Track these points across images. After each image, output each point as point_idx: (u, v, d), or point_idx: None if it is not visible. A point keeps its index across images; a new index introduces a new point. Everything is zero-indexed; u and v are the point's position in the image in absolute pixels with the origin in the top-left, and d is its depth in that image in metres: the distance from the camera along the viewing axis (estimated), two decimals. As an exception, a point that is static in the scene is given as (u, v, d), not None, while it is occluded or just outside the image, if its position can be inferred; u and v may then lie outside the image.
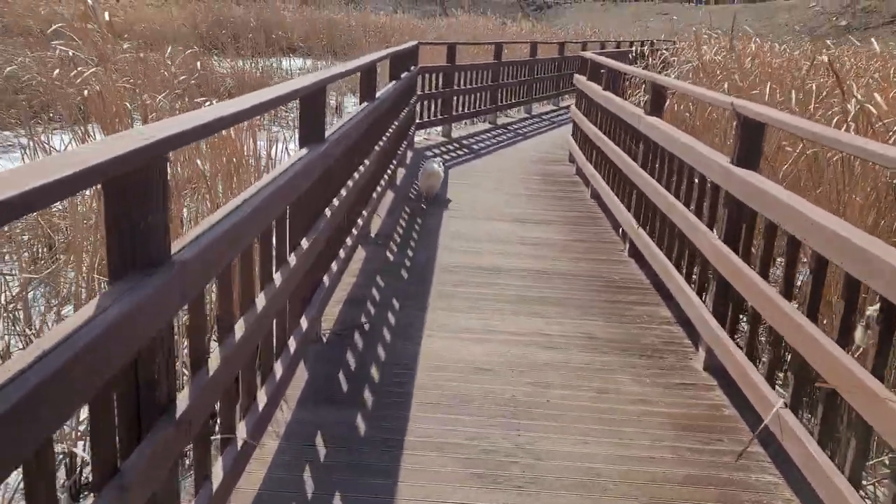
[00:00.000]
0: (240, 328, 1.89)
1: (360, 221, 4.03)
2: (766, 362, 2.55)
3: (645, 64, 9.86)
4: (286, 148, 5.08)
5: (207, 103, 5.09)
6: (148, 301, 1.29)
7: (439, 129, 8.89)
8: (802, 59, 7.47)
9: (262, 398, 2.16)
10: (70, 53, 5.34)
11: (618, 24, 46.24)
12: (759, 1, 50.70)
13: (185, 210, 4.13)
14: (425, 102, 8.26)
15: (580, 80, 7.21)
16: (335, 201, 3.19)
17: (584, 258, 4.55)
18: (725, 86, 5.33)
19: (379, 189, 4.85)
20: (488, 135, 9.38)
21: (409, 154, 7.49)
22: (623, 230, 4.80)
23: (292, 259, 2.47)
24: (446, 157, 7.72)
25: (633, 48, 11.77)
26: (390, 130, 5.31)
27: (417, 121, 8.12)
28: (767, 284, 2.49)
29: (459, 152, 8.00)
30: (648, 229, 4.21)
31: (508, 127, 10.15)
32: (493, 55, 9.96)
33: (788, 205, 2.35)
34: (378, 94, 4.66)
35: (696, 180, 3.49)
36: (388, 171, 5.45)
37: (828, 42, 8.51)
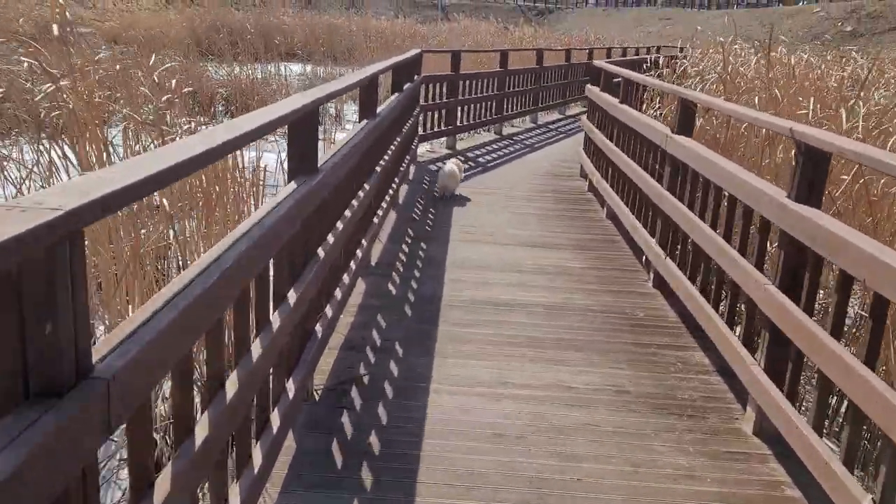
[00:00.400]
0: (203, 429, 1.49)
1: (359, 253, 3.63)
2: (842, 441, 2.14)
3: (659, 73, 9.47)
4: (281, 163, 4.65)
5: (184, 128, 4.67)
6: (45, 446, 0.90)
7: (443, 140, 8.50)
8: (823, 66, 7.10)
9: (235, 499, 1.76)
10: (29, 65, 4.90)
11: (619, 29, 45.97)
12: (761, 6, 50.48)
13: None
14: (429, 113, 7.87)
15: (592, 90, 6.82)
16: (330, 237, 2.79)
17: (603, 290, 4.14)
18: (756, 100, 4.93)
19: (380, 212, 4.45)
20: (494, 146, 8.98)
21: (413, 169, 7.10)
22: (646, 258, 4.40)
23: (276, 319, 2.07)
24: (451, 171, 7.32)
25: (648, 56, 11.33)
26: (393, 147, 4.92)
27: (420, 132, 7.73)
28: (841, 347, 2.08)
29: (465, 166, 7.60)
30: (678, 260, 3.81)
31: (515, 138, 9.76)
32: (499, 63, 9.58)
33: (871, 255, 1.95)
34: (380, 110, 4.27)
35: (736, 208, 3.10)
36: (391, 191, 5.06)
37: (852, 51, 8.11)
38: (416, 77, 6.87)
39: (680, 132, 3.96)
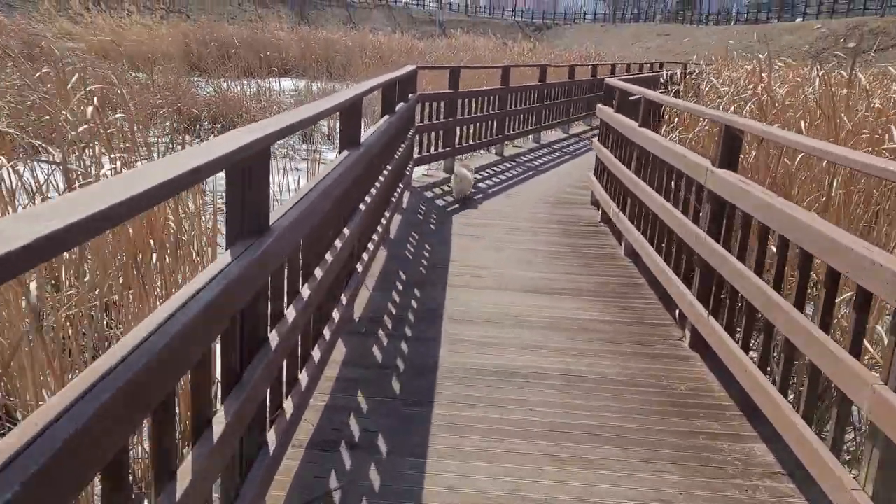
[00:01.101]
0: None
1: (335, 315, 2.96)
2: None
3: (675, 90, 8.88)
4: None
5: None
6: None
7: (441, 163, 7.85)
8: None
9: None
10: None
11: (618, 45, 45.75)
12: (760, 22, 50.23)
13: None
14: (425, 134, 7.23)
15: (604, 111, 6.19)
16: (291, 312, 2.12)
17: (632, 353, 3.47)
18: (802, 125, 4.29)
19: (365, 257, 3.79)
20: (496, 169, 8.34)
21: (406, 196, 6.45)
22: (680, 312, 3.73)
23: (219, 423, 1.39)
24: (448, 198, 6.66)
25: (661, 72, 10.71)
26: (382, 177, 4.27)
27: (416, 155, 7.09)
28: None
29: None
30: (724, 320, 3.14)
31: (517, 159, 9.13)
32: (500, 80, 8.97)
33: None
34: (365, 138, 3.61)
35: (810, 266, 2.43)
36: (380, 227, 4.40)
37: (887, 67, 7.50)
38: (410, 96, 6.24)
39: (723, 165, 3.31)
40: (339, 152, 3.33)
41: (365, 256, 3.76)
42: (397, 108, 5.25)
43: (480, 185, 7.39)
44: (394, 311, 3.78)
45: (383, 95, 4.90)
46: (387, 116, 4.70)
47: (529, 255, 4.97)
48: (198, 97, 12.79)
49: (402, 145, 5.61)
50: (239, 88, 13.82)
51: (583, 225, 6.02)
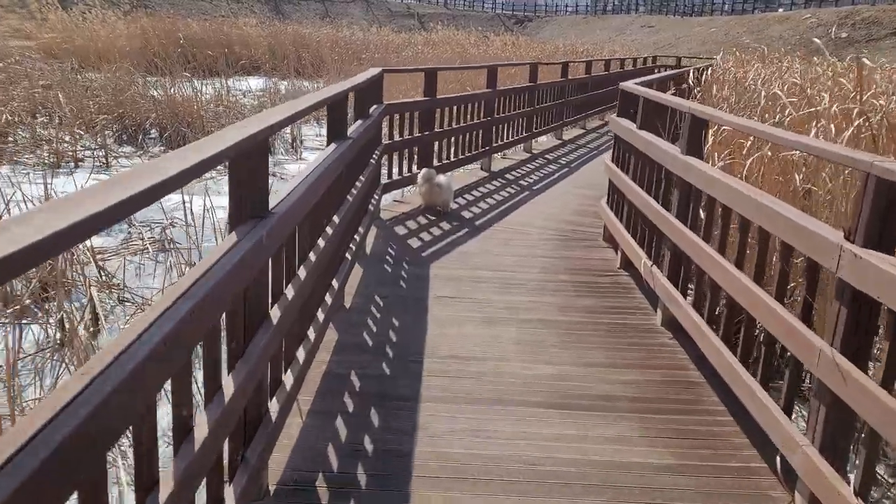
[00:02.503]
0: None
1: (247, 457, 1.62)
2: None
3: (691, 94, 7.54)
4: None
5: None
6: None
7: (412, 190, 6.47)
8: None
9: None
10: None
11: (601, 38, 44.47)
12: (746, 13, 49.13)
13: None
14: (395, 154, 5.85)
15: (621, 126, 4.85)
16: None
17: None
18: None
19: (313, 334, 2.42)
20: (482, 189, 6.96)
21: (372, 235, 5.07)
22: (781, 461, 2.39)
23: None
24: (424, 235, 5.29)
25: (681, 70, 9.29)
26: (326, 241, 2.90)
27: (384, 180, 5.71)
28: None
29: (443, 226, 5.57)
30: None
31: (507, 175, 7.76)
32: (486, 82, 7.59)
33: None
34: (286, 194, 2.24)
35: None
36: (324, 311, 3.02)
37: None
38: (374, 108, 4.87)
39: (872, 243, 1.98)
40: (230, 231, 1.97)
41: (287, 379, 2.38)
42: (353, 128, 3.88)
43: (464, 213, 6.01)
44: (334, 468, 2.40)
45: (329, 117, 3.51)
46: (333, 146, 3.32)
47: (536, 333, 3.61)
48: (140, 103, 11.22)
49: (365, 172, 4.24)
50: (191, 91, 12.26)
51: (599, 273, 4.66)
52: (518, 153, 9.17)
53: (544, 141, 10.17)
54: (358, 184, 3.96)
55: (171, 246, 5.91)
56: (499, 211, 6.20)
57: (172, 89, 12.16)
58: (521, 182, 7.50)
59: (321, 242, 2.87)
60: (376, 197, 5.19)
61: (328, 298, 3.19)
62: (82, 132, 10.27)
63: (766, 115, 4.57)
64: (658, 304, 3.84)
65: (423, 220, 5.69)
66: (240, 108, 13.73)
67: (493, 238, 5.35)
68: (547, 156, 9.28)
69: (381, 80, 5.31)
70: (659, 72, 19.00)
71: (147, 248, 5.94)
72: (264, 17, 38.73)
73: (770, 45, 31.71)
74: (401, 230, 5.36)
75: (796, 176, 3.62)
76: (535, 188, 7.25)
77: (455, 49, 22.42)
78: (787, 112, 4.15)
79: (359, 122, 4.31)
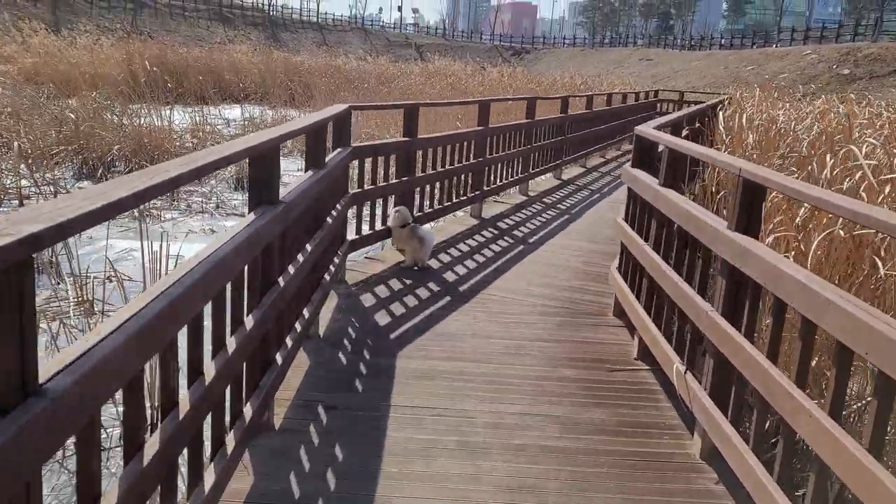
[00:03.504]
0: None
1: None
2: None
3: (708, 138, 6.64)
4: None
5: None
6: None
7: (388, 241, 5.52)
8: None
9: None
10: None
11: (599, 70, 44.05)
12: (745, 47, 48.85)
13: None
14: (366, 206, 4.93)
15: (636, 179, 3.94)
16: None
17: None
18: None
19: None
20: (471, 243, 6.02)
21: (331, 305, 4.12)
22: None
23: None
24: (396, 307, 4.32)
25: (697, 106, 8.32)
26: (252, 319, 1.96)
27: (352, 236, 4.78)
28: None
29: (420, 294, 4.61)
30: None
31: (500, 224, 6.83)
32: (478, 119, 6.71)
33: None
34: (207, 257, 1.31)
35: None
36: (248, 408, 2.06)
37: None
38: (337, 152, 3.96)
39: None
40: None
41: None
42: (297, 183, 2.97)
43: (448, 274, 5.06)
44: None
45: (252, 173, 2.57)
46: (252, 217, 2.38)
47: (532, 472, 2.62)
48: (101, 134, 10.31)
49: (308, 246, 3.31)
50: (157, 121, 11.37)
51: (612, 366, 3.68)
52: (513, 196, 8.27)
53: (542, 181, 9.28)
54: (300, 258, 3.02)
55: (102, 309, 4.97)
56: (490, 270, 5.25)
57: (143, 119, 11.30)
58: (516, 232, 6.57)
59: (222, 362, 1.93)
60: (338, 257, 4.25)
61: (246, 413, 2.24)
62: (32, 166, 9.32)
63: (825, 174, 3.64)
64: (696, 426, 2.88)
65: (396, 283, 4.74)
66: (218, 138, 12.87)
67: (480, 310, 4.39)
68: (545, 199, 8.38)
69: (347, 119, 4.41)
70: (662, 107, 18.27)
71: (69, 314, 4.98)
72: (260, 44, 38.25)
73: (769, 80, 31.28)
74: (367, 300, 4.40)
75: None
76: (531, 240, 6.32)
77: (450, 80, 21.72)
78: (857, 177, 3.24)
79: (309, 173, 3.39)
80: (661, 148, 3.82)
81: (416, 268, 5.03)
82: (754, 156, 5.05)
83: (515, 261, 5.59)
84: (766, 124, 5.65)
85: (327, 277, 3.82)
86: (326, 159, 3.73)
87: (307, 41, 55.71)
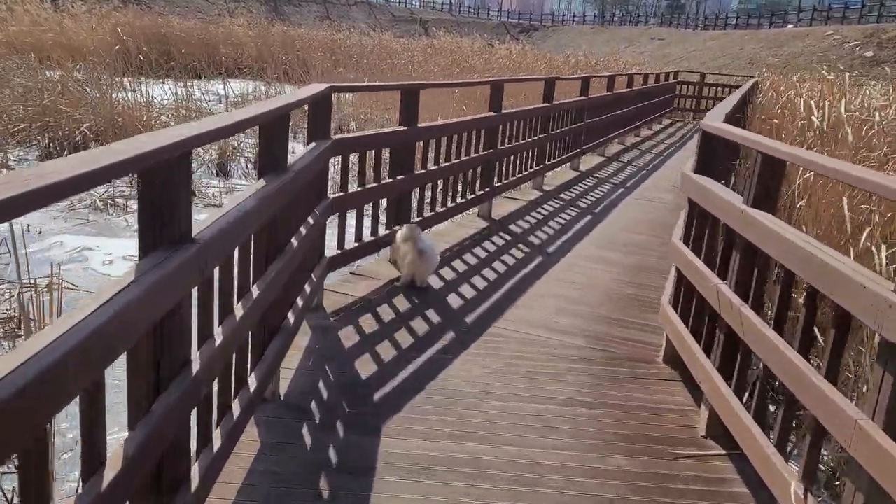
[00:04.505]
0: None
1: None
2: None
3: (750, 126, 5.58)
4: None
5: None
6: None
7: (381, 254, 4.53)
8: None
9: None
10: None
11: (610, 49, 42.53)
12: (759, 27, 47.16)
13: None
14: (350, 213, 3.94)
15: (705, 191, 2.95)
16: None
17: None
18: None
19: None
20: (479, 253, 5.03)
21: (301, 345, 3.16)
22: None
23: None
24: (383, 349, 3.36)
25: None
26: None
27: (332, 252, 3.81)
28: None
29: (415, 328, 3.64)
30: None
31: (512, 228, 5.82)
32: (489, 103, 5.68)
33: None
34: None
35: None
36: None
37: None
38: (312, 146, 2.98)
39: None
40: None
41: None
42: (249, 190, 2.00)
43: (451, 298, 4.08)
44: None
45: (150, 201, 1.58)
46: (147, 264, 1.40)
47: None
48: (65, 110, 9.28)
49: (296, 239, 2.34)
50: (130, 97, 10.34)
51: (674, 449, 2.72)
52: (527, 191, 7.27)
53: (558, 172, 8.27)
54: (255, 291, 2.05)
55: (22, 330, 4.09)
56: (502, 294, 4.26)
57: (117, 94, 10.28)
58: (532, 238, 5.57)
59: None
60: (311, 283, 3.28)
61: None
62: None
63: None
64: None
65: (387, 311, 3.76)
66: (204, 114, 11.87)
67: (492, 354, 3.42)
68: (563, 195, 7.37)
69: (326, 102, 3.41)
70: (682, 89, 17.12)
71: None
72: (262, 17, 36.85)
73: (791, 61, 29.83)
74: (348, 337, 3.43)
75: None
76: (550, 249, 5.33)
77: (454, 57, 20.53)
78: None
79: (261, 182, 2.41)
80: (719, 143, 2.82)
81: (414, 286, 4.07)
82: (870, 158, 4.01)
83: (533, 278, 4.60)
84: (858, 120, 4.61)
85: (291, 318, 2.85)
86: (297, 157, 2.74)
87: (310, 15, 54.23)
